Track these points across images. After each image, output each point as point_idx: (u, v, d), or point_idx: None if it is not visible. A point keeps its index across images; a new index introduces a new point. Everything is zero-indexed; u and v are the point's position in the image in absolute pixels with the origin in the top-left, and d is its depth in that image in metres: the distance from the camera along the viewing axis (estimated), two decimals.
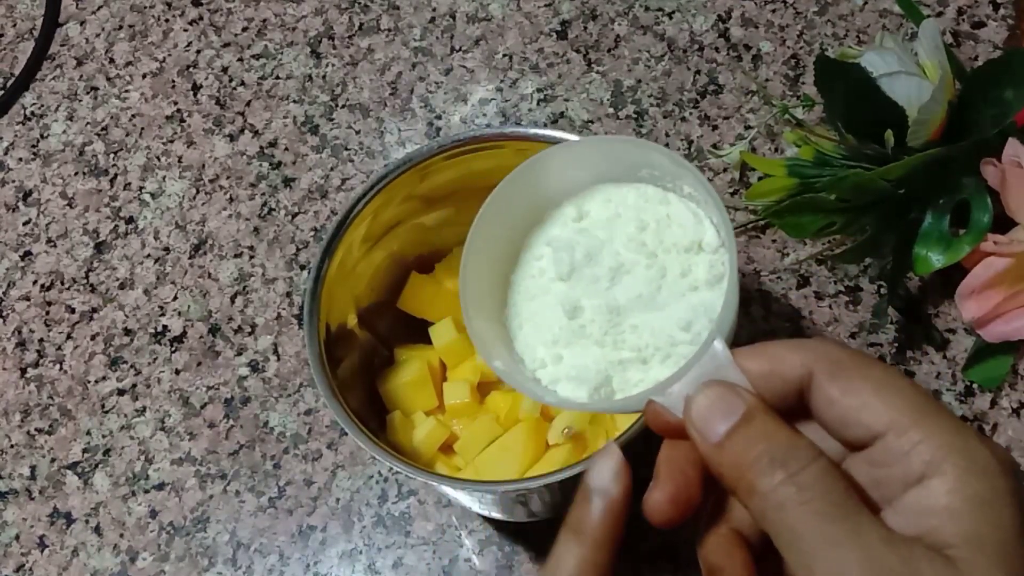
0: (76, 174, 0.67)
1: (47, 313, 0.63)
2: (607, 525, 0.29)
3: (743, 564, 0.29)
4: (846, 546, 0.25)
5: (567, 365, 0.34)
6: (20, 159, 0.68)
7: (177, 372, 0.60)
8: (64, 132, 0.69)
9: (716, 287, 0.33)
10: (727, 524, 0.30)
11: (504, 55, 0.68)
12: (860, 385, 0.27)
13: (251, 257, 0.63)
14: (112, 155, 0.68)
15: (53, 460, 0.59)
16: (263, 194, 0.65)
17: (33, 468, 0.59)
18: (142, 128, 0.68)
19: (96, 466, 0.59)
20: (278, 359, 0.60)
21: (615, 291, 0.34)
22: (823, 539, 0.25)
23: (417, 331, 0.54)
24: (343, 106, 0.67)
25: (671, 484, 0.29)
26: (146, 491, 0.58)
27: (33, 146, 0.69)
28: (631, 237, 0.35)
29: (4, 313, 0.64)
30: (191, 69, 0.70)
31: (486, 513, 0.53)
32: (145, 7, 0.73)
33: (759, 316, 0.58)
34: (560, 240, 0.36)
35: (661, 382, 0.30)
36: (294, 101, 0.68)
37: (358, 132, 0.66)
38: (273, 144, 0.67)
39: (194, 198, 0.66)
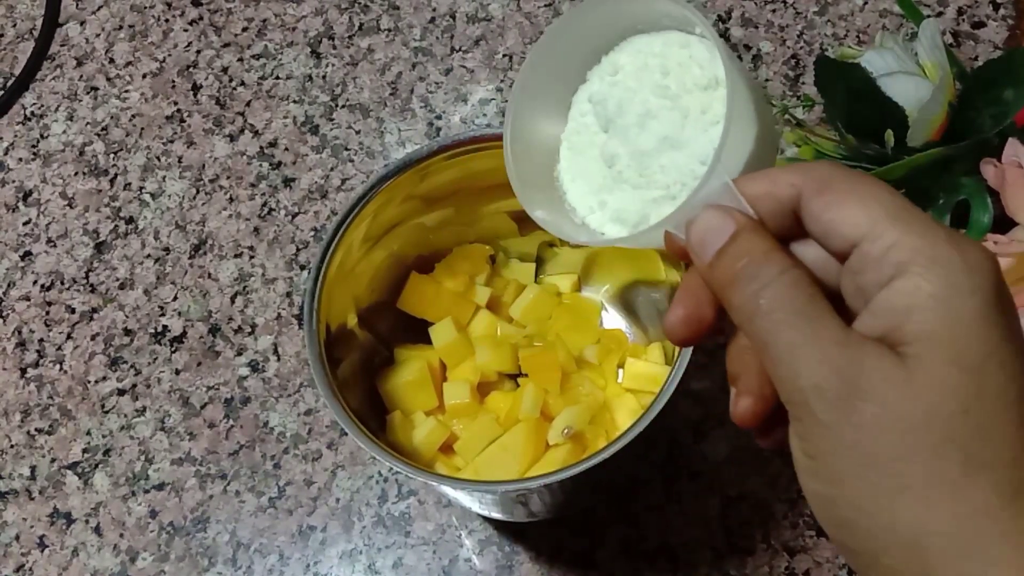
0: (76, 174, 0.67)
1: (47, 313, 0.63)
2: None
3: (758, 371, 0.30)
4: (802, 349, 0.26)
5: (611, 209, 0.37)
6: (20, 159, 0.68)
7: (177, 372, 0.60)
8: (64, 132, 0.69)
9: None
10: None
11: (504, 55, 0.68)
12: (840, 198, 0.28)
13: (251, 257, 0.63)
14: (112, 155, 0.68)
15: (53, 460, 0.59)
16: (263, 194, 0.65)
17: (33, 468, 0.59)
18: (142, 128, 0.68)
19: (96, 466, 0.59)
20: (278, 359, 0.60)
21: (645, 136, 0.36)
22: (783, 345, 0.27)
23: (417, 331, 0.54)
24: (343, 106, 0.67)
25: (683, 305, 0.31)
26: (146, 491, 0.58)
27: (33, 146, 0.69)
28: (657, 83, 0.36)
29: (4, 313, 0.64)
30: (191, 69, 0.70)
31: (486, 513, 0.53)
32: (145, 7, 0.73)
33: None
34: (598, 95, 0.38)
35: (671, 213, 0.31)
36: (294, 101, 0.68)
37: (358, 132, 0.66)
38: (273, 144, 0.67)
39: (194, 198, 0.66)
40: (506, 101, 0.66)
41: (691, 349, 0.43)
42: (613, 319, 0.56)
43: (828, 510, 0.27)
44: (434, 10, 0.70)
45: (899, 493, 0.25)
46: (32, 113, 0.70)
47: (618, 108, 0.37)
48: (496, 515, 0.52)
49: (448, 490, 0.47)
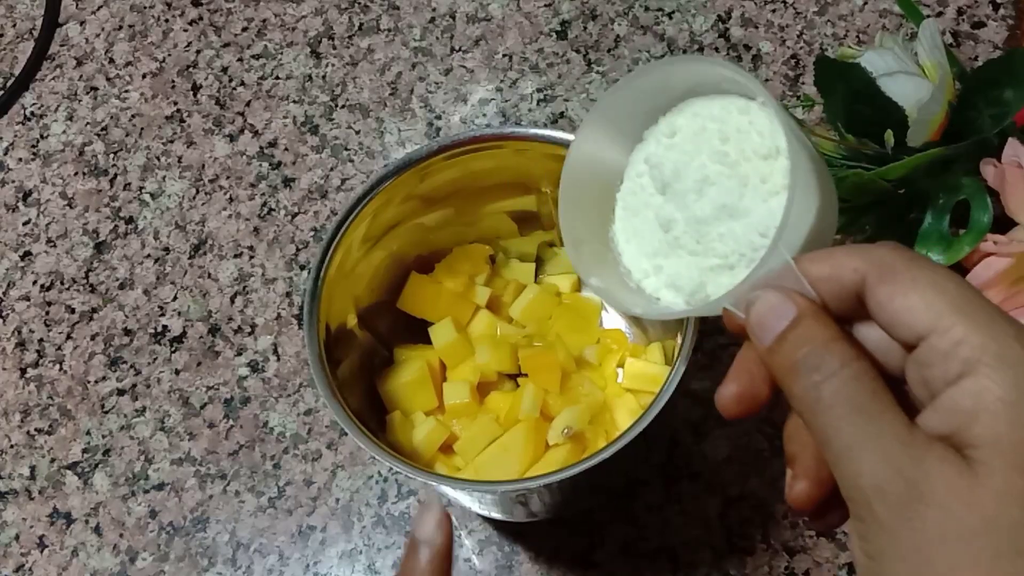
0: (76, 174, 0.67)
1: (47, 313, 0.63)
2: (434, 570, 0.32)
3: (815, 454, 0.29)
4: (864, 448, 0.26)
5: (666, 274, 0.36)
6: (20, 159, 0.68)
7: (177, 372, 0.60)
8: (64, 132, 0.69)
9: None
10: None
11: (504, 55, 0.68)
12: (906, 288, 0.27)
13: (251, 257, 0.63)
14: (112, 155, 0.68)
15: (53, 460, 0.59)
16: (263, 194, 0.65)
17: (33, 468, 0.59)
18: (142, 128, 0.68)
19: (96, 466, 0.59)
20: (278, 359, 0.60)
21: (702, 203, 0.35)
22: (844, 442, 0.26)
23: (417, 331, 0.54)
24: (343, 106, 0.67)
25: (736, 382, 0.31)
26: (146, 491, 0.58)
27: (33, 146, 0.69)
28: (715, 149, 0.36)
29: (4, 313, 0.64)
30: (191, 69, 0.70)
31: (486, 513, 0.53)
32: (145, 7, 0.73)
33: None
34: (655, 157, 0.37)
35: (731, 289, 0.31)
36: (294, 101, 0.68)
37: (358, 132, 0.66)
38: (273, 144, 0.67)
39: (194, 198, 0.66)
40: (506, 101, 0.66)
41: (691, 349, 0.43)
42: (613, 319, 0.56)
43: None
44: (434, 10, 0.70)
45: None
46: (32, 113, 0.70)
47: (675, 172, 0.36)
48: (496, 515, 0.52)
49: (448, 490, 0.47)
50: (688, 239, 0.35)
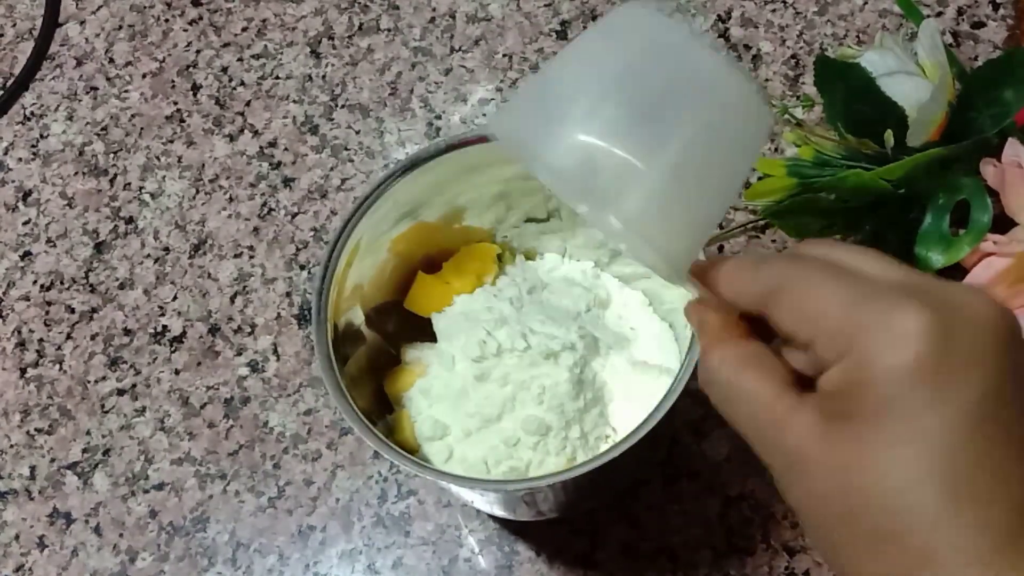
0: (76, 174, 0.67)
1: (47, 313, 0.63)
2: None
3: None
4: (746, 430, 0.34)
5: None
6: (20, 159, 0.68)
7: (177, 372, 0.60)
8: (64, 132, 0.69)
9: None
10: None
11: (504, 55, 0.68)
12: (784, 316, 0.31)
13: (251, 257, 0.63)
14: (112, 155, 0.68)
15: (53, 460, 0.59)
16: (263, 194, 0.65)
17: (33, 468, 0.59)
18: (142, 128, 0.68)
19: (96, 466, 0.59)
20: (278, 359, 0.60)
21: None
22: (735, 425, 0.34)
23: (424, 330, 0.54)
24: (343, 106, 0.67)
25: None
26: (146, 491, 0.58)
27: (33, 146, 0.69)
28: None
29: (4, 313, 0.64)
30: (191, 69, 0.70)
31: (488, 510, 0.53)
32: (145, 7, 0.73)
33: None
34: None
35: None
36: (294, 101, 0.68)
37: (358, 132, 0.66)
38: (273, 144, 0.67)
39: (194, 198, 0.65)
40: (506, 101, 0.66)
41: (697, 350, 0.43)
42: None
43: None
44: (434, 10, 0.70)
45: (830, 553, 0.30)
46: (32, 113, 0.70)
47: None
48: (498, 513, 0.52)
49: (455, 488, 0.47)
50: None
